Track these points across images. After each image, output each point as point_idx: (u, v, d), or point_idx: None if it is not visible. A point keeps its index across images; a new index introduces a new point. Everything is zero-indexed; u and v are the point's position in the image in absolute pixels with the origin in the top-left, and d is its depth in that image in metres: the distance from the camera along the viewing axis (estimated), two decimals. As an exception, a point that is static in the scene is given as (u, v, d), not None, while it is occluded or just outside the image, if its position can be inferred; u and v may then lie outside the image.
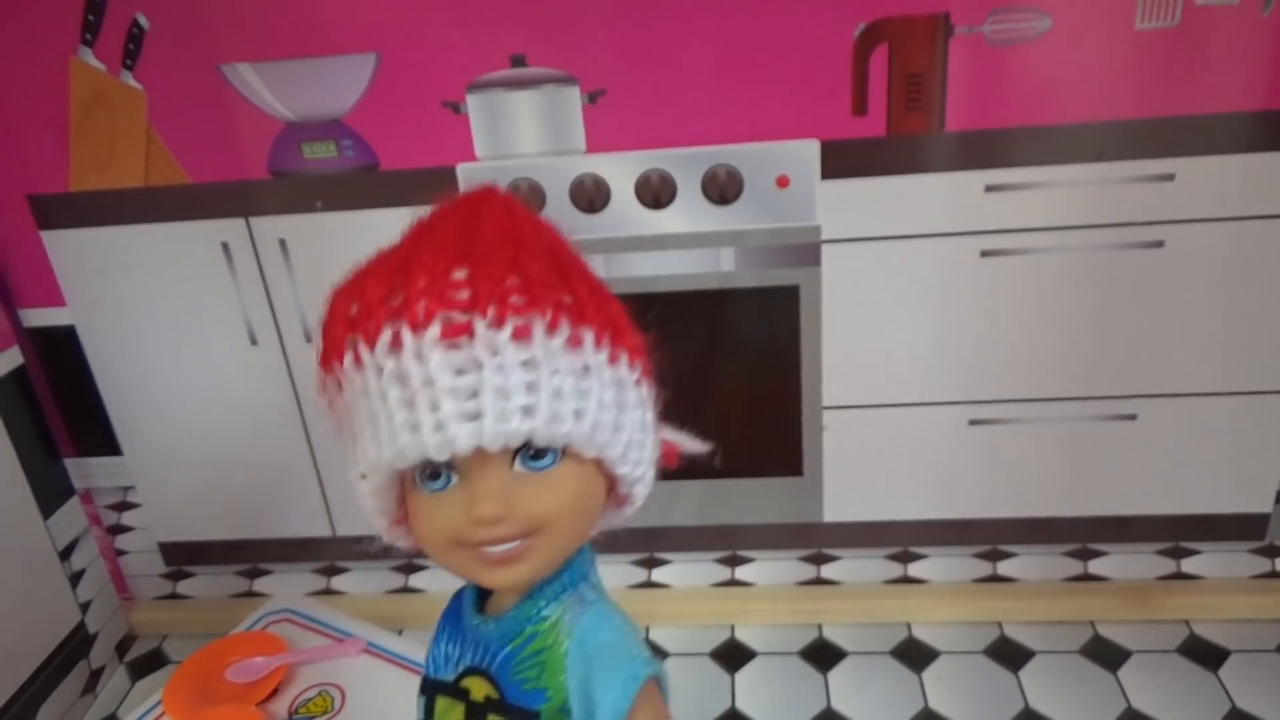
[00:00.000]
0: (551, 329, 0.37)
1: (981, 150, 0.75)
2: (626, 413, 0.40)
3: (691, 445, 0.50)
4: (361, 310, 0.36)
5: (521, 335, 0.36)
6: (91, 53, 0.77)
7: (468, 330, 0.35)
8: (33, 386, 0.88)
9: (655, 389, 0.44)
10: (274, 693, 0.74)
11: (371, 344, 0.36)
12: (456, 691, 0.42)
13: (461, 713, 0.42)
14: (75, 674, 0.91)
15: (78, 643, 0.91)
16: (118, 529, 0.97)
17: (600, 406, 0.38)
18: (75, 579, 0.92)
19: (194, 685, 0.75)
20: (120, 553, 0.99)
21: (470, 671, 0.42)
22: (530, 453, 0.37)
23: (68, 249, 0.84)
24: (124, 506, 0.96)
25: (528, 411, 0.35)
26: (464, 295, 0.35)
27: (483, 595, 0.44)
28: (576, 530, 0.40)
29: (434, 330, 0.35)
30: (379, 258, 0.39)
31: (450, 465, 0.37)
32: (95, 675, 0.94)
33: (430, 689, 0.44)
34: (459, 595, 0.45)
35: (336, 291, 0.39)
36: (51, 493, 0.90)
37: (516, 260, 0.37)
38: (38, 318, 0.87)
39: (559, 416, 0.36)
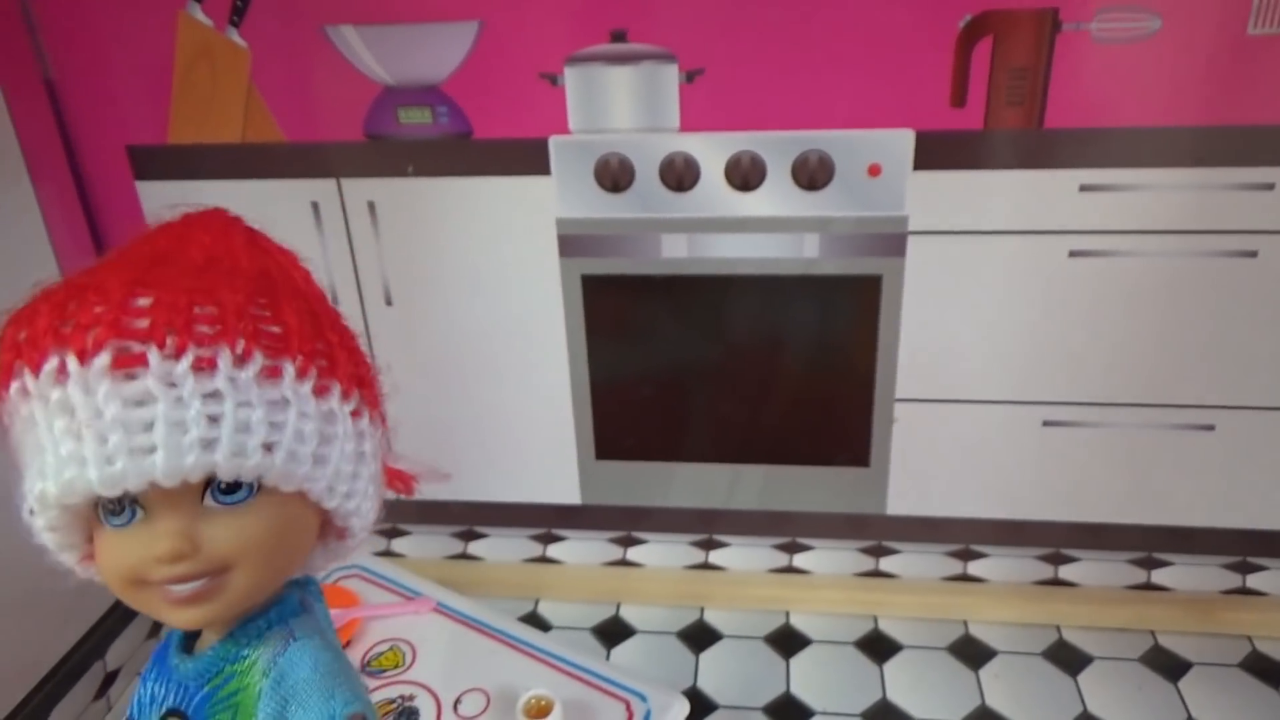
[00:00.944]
0: (243, 360, 0.34)
1: (1079, 149, 0.75)
2: (334, 445, 0.37)
3: (431, 474, 0.47)
4: (29, 336, 0.34)
5: (204, 366, 0.34)
6: (200, 8, 0.78)
7: (142, 361, 0.33)
8: (119, 334, 0.90)
9: (379, 419, 0.41)
10: (346, 644, 0.76)
11: (36, 371, 0.33)
12: None
13: None
14: (142, 617, 0.92)
15: (146, 587, 0.93)
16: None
17: (298, 438, 0.36)
18: (147, 525, 0.94)
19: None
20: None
21: (169, 713, 0.40)
22: (220, 486, 0.35)
23: (162, 201, 0.85)
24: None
25: (207, 445, 0.33)
26: (142, 324, 0.33)
27: (192, 634, 0.42)
28: (273, 566, 0.38)
29: (103, 359, 0.33)
30: (64, 280, 0.36)
31: (135, 500, 0.34)
32: (160, 620, 0.96)
33: None
34: (170, 635, 0.42)
35: (10, 315, 0.36)
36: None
37: (213, 288, 0.35)
38: (127, 267, 0.89)
39: (244, 450, 0.34)
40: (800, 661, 0.89)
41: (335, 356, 0.38)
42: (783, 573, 0.97)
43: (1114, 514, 0.89)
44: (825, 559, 0.96)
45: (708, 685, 0.87)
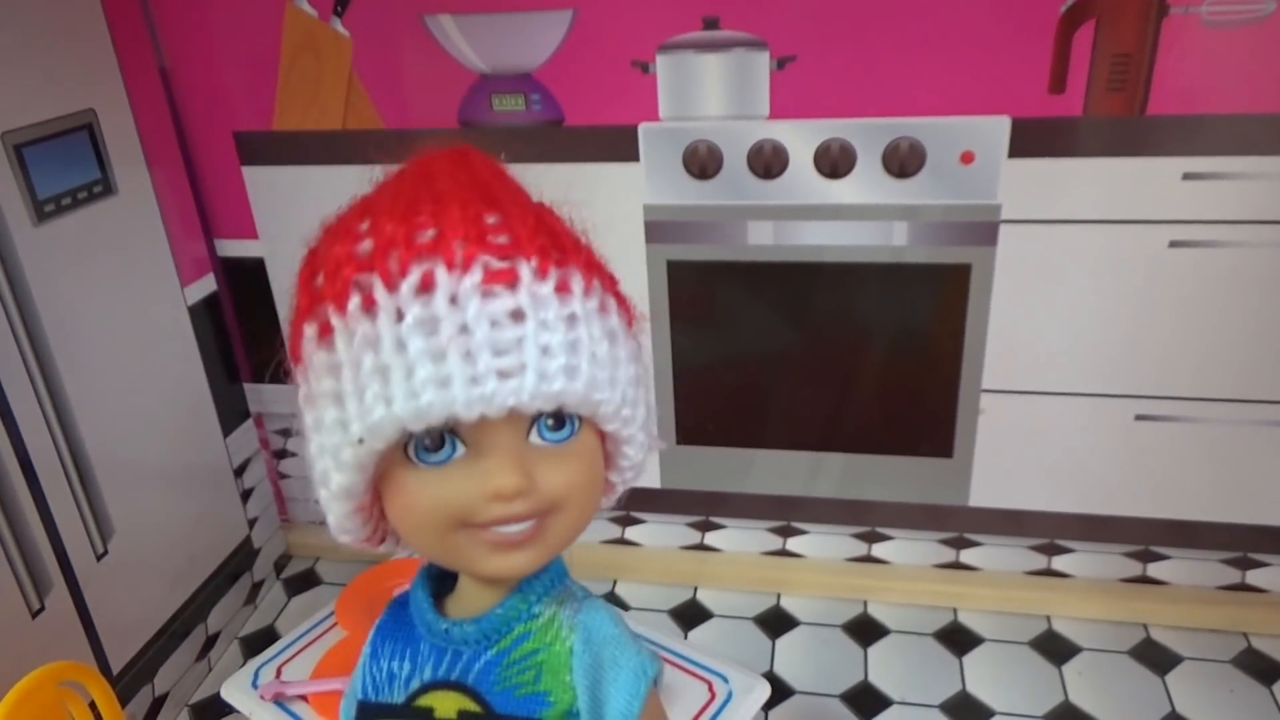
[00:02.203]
0: (586, 288, 0.34)
1: (1183, 136, 0.73)
2: (641, 388, 0.37)
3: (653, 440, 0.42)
4: (380, 243, 0.32)
5: (563, 289, 0.32)
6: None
7: (511, 277, 0.31)
8: (222, 312, 0.94)
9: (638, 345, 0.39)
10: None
11: (392, 285, 0.31)
12: (411, 713, 0.37)
13: None
14: (240, 585, 0.97)
15: (244, 556, 0.98)
16: (282, 454, 1.03)
17: (627, 379, 0.35)
18: (245, 496, 0.99)
19: (363, 601, 0.79)
20: (283, 476, 1.05)
21: (432, 686, 0.37)
22: (550, 423, 0.33)
23: (265, 184, 0.89)
24: (289, 434, 1.02)
25: (570, 372, 0.32)
26: (503, 239, 0.32)
27: (437, 599, 0.39)
28: (588, 512, 0.36)
29: (476, 273, 0.31)
30: (375, 201, 0.35)
31: (456, 435, 0.32)
32: (256, 588, 1.00)
33: (370, 715, 0.38)
34: (399, 606, 0.40)
35: (330, 229, 0.35)
36: (231, 414, 0.96)
37: (538, 215, 0.34)
38: (231, 248, 0.93)
39: (597, 383, 0.33)
40: (878, 651, 0.89)
41: (603, 272, 0.37)
42: (861, 562, 0.97)
43: (1207, 512, 0.87)
44: (905, 549, 0.95)
45: (784, 671, 0.87)
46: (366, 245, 0.32)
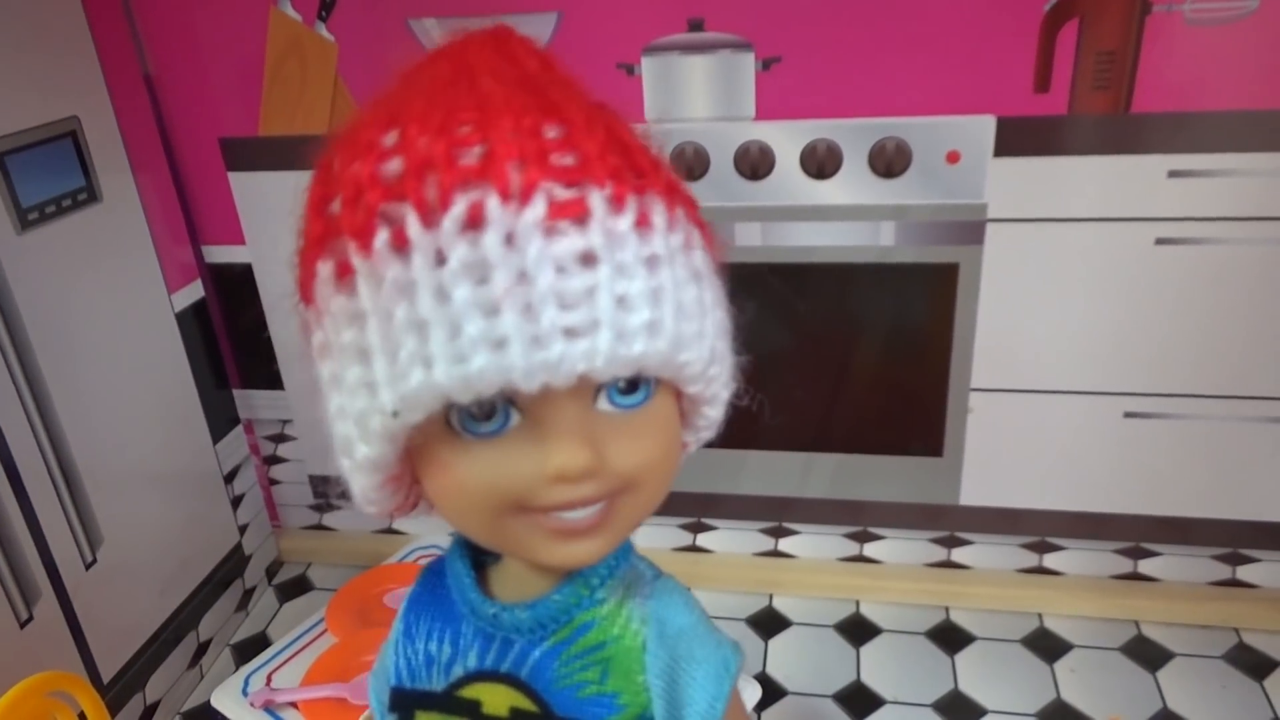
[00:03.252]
0: (670, 220, 0.27)
1: (1168, 133, 0.73)
2: (726, 338, 0.31)
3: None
4: (412, 166, 0.25)
5: (643, 224, 0.26)
6: (290, 3, 0.80)
7: (581, 211, 0.25)
8: (211, 319, 0.94)
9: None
10: (427, 622, 0.78)
11: (431, 219, 0.24)
12: (454, 704, 0.32)
13: None
14: (231, 591, 0.97)
15: (235, 562, 0.98)
16: (273, 459, 1.03)
17: (715, 330, 0.29)
18: (235, 502, 0.98)
19: (353, 607, 0.79)
20: (274, 482, 1.05)
21: (477, 676, 0.32)
22: (620, 386, 0.27)
23: (252, 190, 0.89)
24: (281, 439, 1.02)
25: (653, 329, 0.26)
26: (569, 160, 0.25)
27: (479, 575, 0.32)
28: (665, 488, 0.31)
29: (538, 206, 0.24)
30: (403, 103, 0.27)
31: (511, 402, 0.26)
32: (248, 594, 1.00)
33: (407, 703, 0.33)
34: (434, 576, 0.34)
35: (348, 138, 0.27)
36: (220, 420, 0.96)
37: (608, 123, 0.28)
38: (219, 254, 0.93)
39: (682, 341, 0.27)
40: (871, 650, 0.89)
41: (685, 198, 0.30)
42: (853, 561, 0.97)
43: (1198, 508, 0.87)
44: (897, 548, 0.95)
45: (777, 672, 0.87)
46: (396, 164, 0.25)
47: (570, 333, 0.25)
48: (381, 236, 0.25)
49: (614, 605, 0.31)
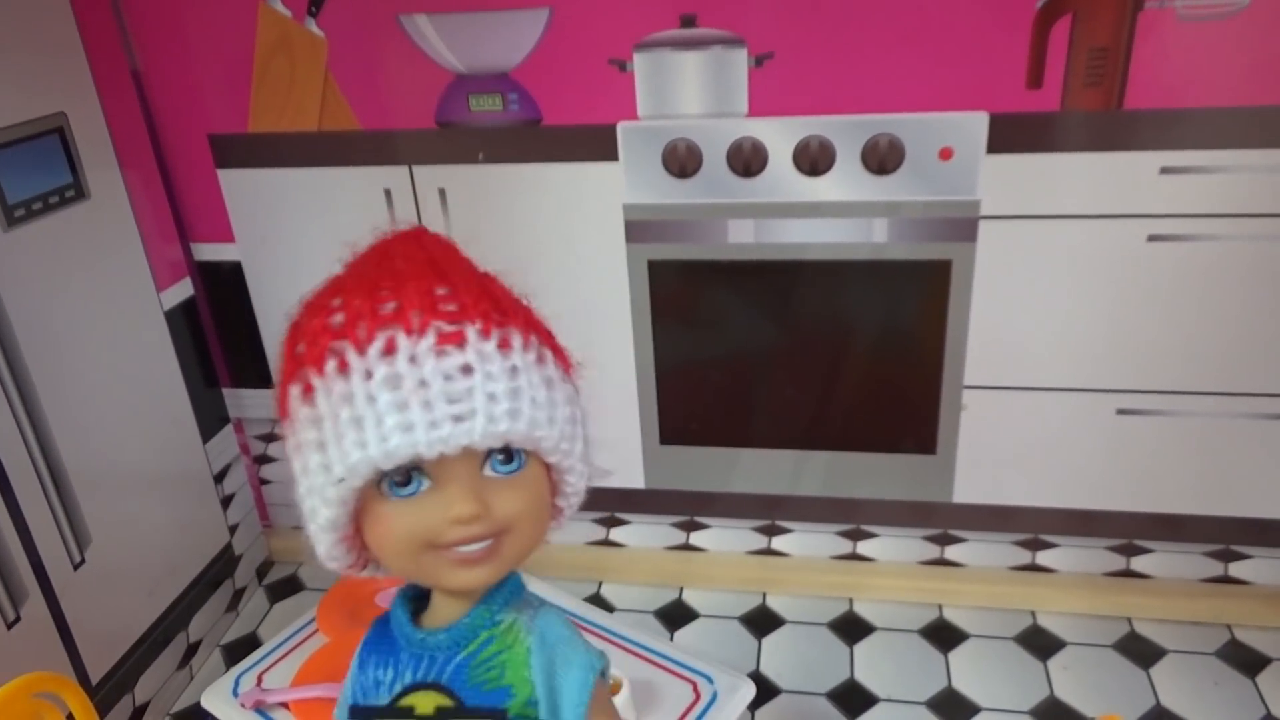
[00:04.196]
0: (525, 344, 0.39)
1: (1160, 130, 0.73)
2: (578, 425, 0.43)
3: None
4: (349, 316, 0.37)
5: (504, 346, 0.38)
6: (279, -1, 0.80)
7: (460, 339, 0.37)
8: (200, 317, 0.93)
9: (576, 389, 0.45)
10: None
11: (361, 348, 0.37)
12: (394, 713, 0.42)
13: None
14: (221, 592, 0.96)
15: (225, 562, 0.97)
16: (263, 459, 1.03)
17: (565, 417, 0.41)
18: (226, 502, 0.98)
19: (345, 607, 0.79)
20: (264, 481, 1.04)
21: (412, 688, 0.42)
22: (500, 458, 0.39)
23: (240, 187, 0.89)
24: (271, 438, 1.01)
25: (514, 415, 0.37)
26: (452, 307, 0.38)
27: (414, 615, 0.45)
28: (537, 533, 0.42)
29: (430, 337, 0.37)
30: (345, 280, 0.40)
31: (421, 471, 0.38)
32: (238, 595, 0.99)
33: (361, 715, 0.43)
34: (382, 624, 0.45)
35: (309, 305, 0.40)
36: (210, 419, 0.95)
37: (483, 283, 0.40)
38: (208, 252, 0.92)
39: (537, 422, 0.38)
40: (864, 649, 0.89)
41: (541, 329, 0.42)
42: (846, 560, 0.96)
43: (1190, 505, 0.87)
44: (890, 546, 0.95)
45: (770, 670, 0.87)
46: (339, 318, 0.38)
47: (456, 418, 0.37)
48: (331, 363, 0.37)
49: (508, 623, 0.42)
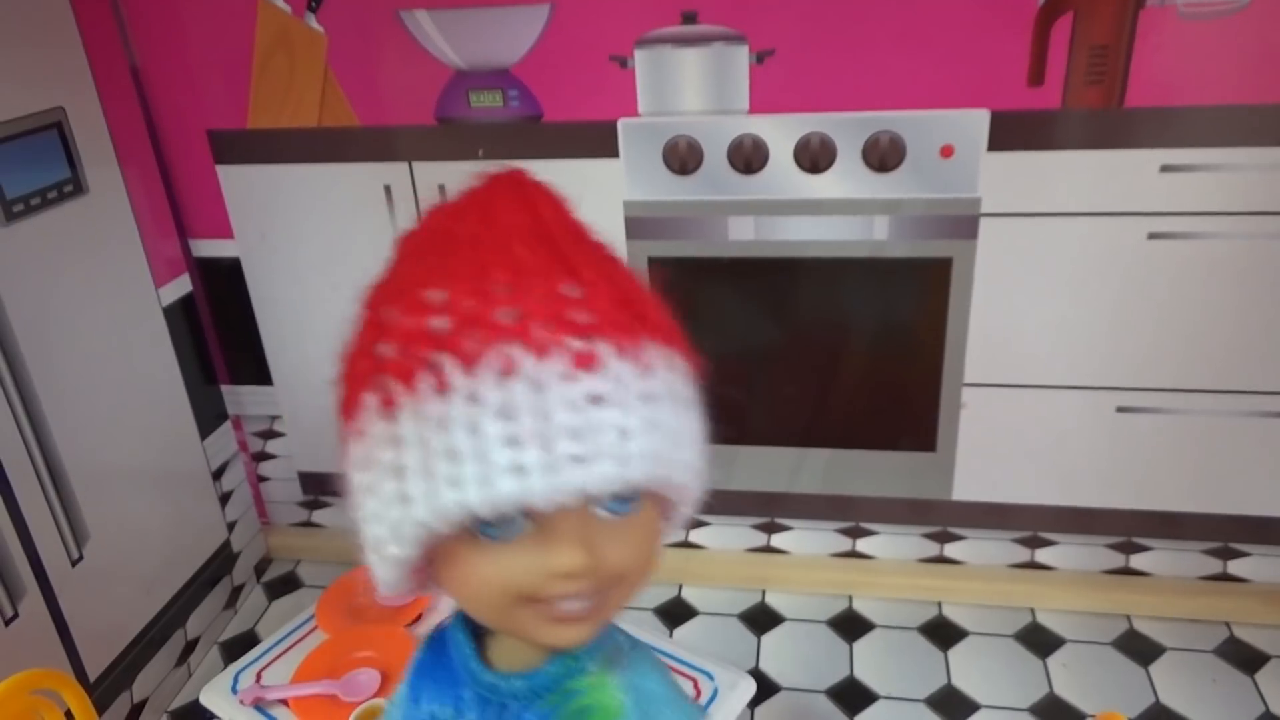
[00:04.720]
0: (666, 364, 0.32)
1: (1161, 128, 0.73)
2: (701, 449, 0.35)
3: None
4: (457, 324, 0.29)
5: (643, 368, 0.31)
6: (279, -6, 0.80)
7: (593, 361, 0.29)
8: (198, 314, 0.93)
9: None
10: (419, 617, 0.78)
11: (470, 368, 0.29)
12: None
13: None
14: (219, 589, 0.96)
15: (223, 559, 0.97)
16: (262, 456, 1.02)
17: (692, 446, 0.33)
18: (224, 499, 0.97)
19: (344, 604, 0.79)
20: (262, 478, 1.04)
21: None
22: (616, 498, 0.31)
23: (240, 184, 0.88)
24: (269, 435, 1.01)
25: (646, 456, 0.30)
26: (584, 318, 0.30)
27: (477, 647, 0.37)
28: (646, 579, 0.34)
29: (558, 360, 0.29)
30: (447, 260, 0.32)
31: (525, 512, 0.30)
32: (236, 591, 0.99)
33: None
34: (437, 643, 0.38)
35: (402, 295, 0.31)
36: (208, 416, 0.95)
37: (613, 274, 0.32)
38: (207, 248, 0.92)
39: (672, 462, 0.31)
40: (863, 646, 0.89)
41: (675, 335, 0.34)
42: (845, 557, 0.96)
43: (1189, 503, 0.87)
44: (889, 544, 0.95)
45: (770, 667, 0.87)
46: (443, 323, 0.30)
47: (578, 459, 0.29)
48: (426, 380, 0.29)
49: (598, 674, 0.35)
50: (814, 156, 0.79)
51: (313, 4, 0.80)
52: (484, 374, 0.29)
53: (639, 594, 0.35)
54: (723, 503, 0.97)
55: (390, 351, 0.30)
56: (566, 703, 0.35)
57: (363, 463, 0.32)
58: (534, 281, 0.30)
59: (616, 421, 0.29)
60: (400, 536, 0.31)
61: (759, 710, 0.82)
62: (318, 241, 0.89)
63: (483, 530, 0.31)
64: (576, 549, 0.30)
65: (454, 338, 0.29)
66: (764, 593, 0.96)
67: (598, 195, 0.83)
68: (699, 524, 0.98)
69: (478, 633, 0.37)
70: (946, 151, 0.77)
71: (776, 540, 0.97)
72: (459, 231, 0.32)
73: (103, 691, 0.78)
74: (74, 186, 0.76)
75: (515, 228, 0.31)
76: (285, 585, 1.02)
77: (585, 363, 0.29)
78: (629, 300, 0.31)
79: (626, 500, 0.32)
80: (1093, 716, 0.79)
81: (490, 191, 0.33)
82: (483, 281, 0.30)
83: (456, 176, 0.90)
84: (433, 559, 0.33)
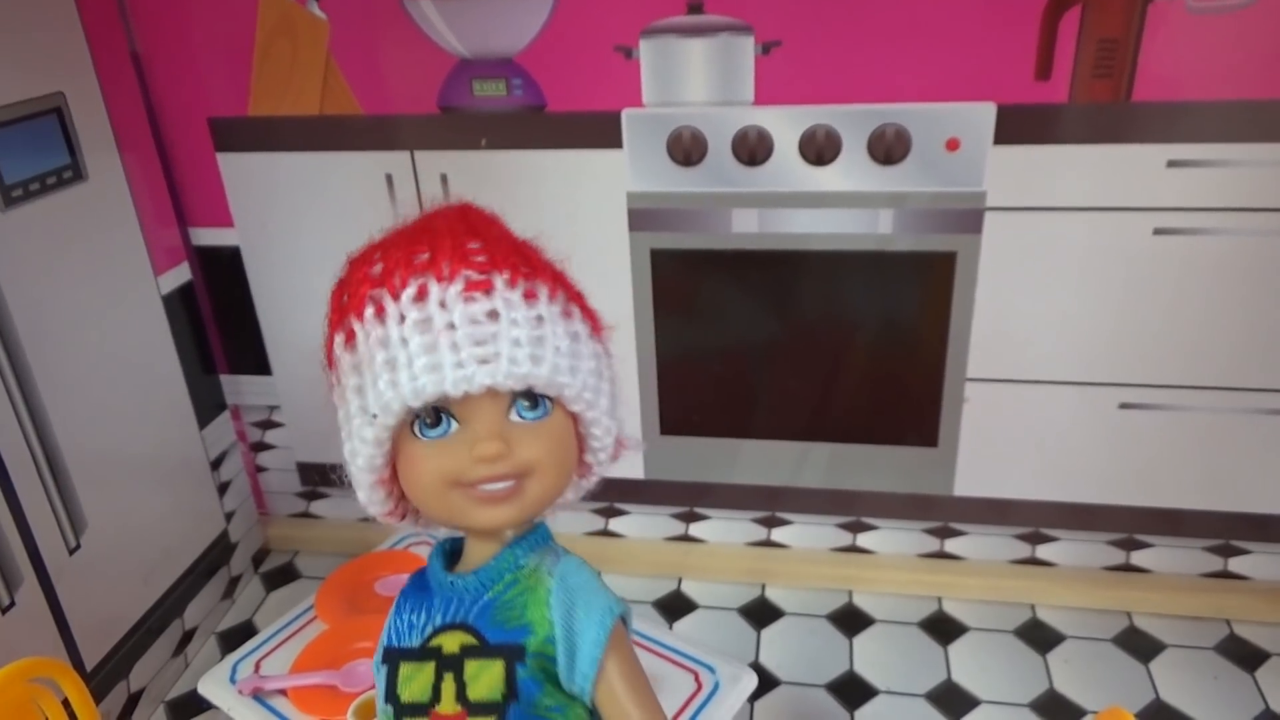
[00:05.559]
0: (551, 296, 0.42)
1: (1169, 123, 0.73)
2: (604, 380, 0.44)
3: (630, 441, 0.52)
4: (387, 267, 0.40)
5: (530, 296, 0.41)
6: (282, -20, 0.79)
7: (487, 286, 0.40)
8: (198, 302, 0.92)
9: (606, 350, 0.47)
10: (418, 609, 0.77)
11: (396, 295, 0.39)
12: (424, 653, 0.44)
13: (430, 671, 0.43)
14: (217, 579, 0.95)
15: (221, 549, 0.96)
16: (260, 446, 1.02)
17: (589, 370, 0.43)
18: (222, 489, 0.97)
19: (344, 594, 0.78)
20: (260, 469, 1.03)
21: (441, 629, 0.44)
22: (525, 404, 0.41)
23: (241, 172, 0.88)
24: (268, 425, 1.01)
25: (536, 360, 0.39)
26: (482, 259, 0.40)
27: (448, 564, 0.47)
28: (560, 479, 0.43)
29: (459, 284, 0.39)
30: (387, 239, 0.43)
31: (450, 414, 0.40)
32: (234, 582, 0.98)
33: (393, 657, 0.45)
34: (419, 575, 0.47)
35: (352, 260, 0.43)
36: (206, 405, 0.94)
37: (515, 244, 0.43)
38: (207, 237, 0.91)
39: (559, 369, 0.40)
40: (863, 641, 0.89)
41: (570, 288, 0.44)
42: (846, 552, 0.96)
43: (1191, 500, 0.87)
44: (890, 539, 0.95)
45: (770, 661, 0.87)
46: (378, 268, 0.40)
47: (481, 360, 0.39)
48: (369, 309, 0.40)
49: (532, 567, 0.44)
50: (819, 149, 0.78)
51: (315, -10, 0.79)
52: (405, 298, 0.39)
53: (556, 491, 0.43)
54: (723, 497, 0.96)
55: (347, 298, 0.41)
56: (507, 590, 0.44)
57: (340, 396, 0.42)
58: (445, 239, 0.41)
59: (509, 333, 0.39)
60: (365, 439, 0.41)
61: (758, 704, 0.82)
62: (319, 230, 0.89)
63: (423, 432, 0.40)
64: (492, 437, 0.40)
65: (385, 277, 0.40)
66: (764, 587, 0.96)
67: (600, 186, 0.83)
68: (700, 518, 0.98)
69: (452, 562, 0.47)
70: (952, 145, 0.76)
71: (777, 534, 0.97)
72: (401, 227, 0.43)
73: (99, 681, 0.78)
74: (73, 173, 0.75)
75: (441, 216, 0.43)
76: (283, 576, 1.02)
77: (480, 286, 0.40)
78: (522, 254, 0.42)
79: (535, 408, 0.41)
80: (1095, 713, 0.79)
81: (436, 208, 0.44)
82: (410, 242, 0.41)
83: (459, 166, 0.90)
84: (394, 468, 0.42)
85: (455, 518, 0.42)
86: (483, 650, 0.43)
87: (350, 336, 0.41)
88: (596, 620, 0.42)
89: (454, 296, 0.39)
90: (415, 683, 0.43)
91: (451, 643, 0.43)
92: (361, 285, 0.40)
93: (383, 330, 0.39)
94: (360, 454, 0.41)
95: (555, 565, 0.44)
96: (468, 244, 0.41)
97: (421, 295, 0.39)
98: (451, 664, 0.43)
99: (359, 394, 0.40)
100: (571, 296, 0.44)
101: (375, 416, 0.40)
